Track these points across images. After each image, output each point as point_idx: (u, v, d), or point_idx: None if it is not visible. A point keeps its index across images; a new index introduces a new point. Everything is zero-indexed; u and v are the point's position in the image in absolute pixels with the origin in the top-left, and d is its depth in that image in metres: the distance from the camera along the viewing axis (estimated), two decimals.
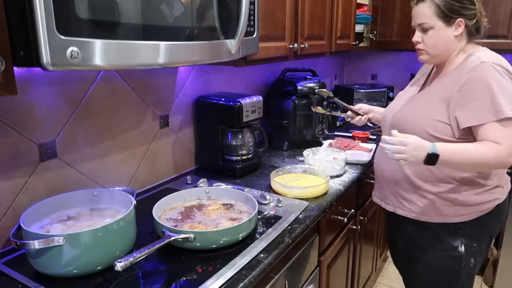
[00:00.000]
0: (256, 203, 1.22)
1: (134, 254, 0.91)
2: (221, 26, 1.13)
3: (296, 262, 1.29)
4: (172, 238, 1.02)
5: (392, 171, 1.40)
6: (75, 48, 0.75)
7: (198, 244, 1.06)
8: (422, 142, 1.17)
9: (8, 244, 1.11)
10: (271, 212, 1.33)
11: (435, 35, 1.27)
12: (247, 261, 1.04)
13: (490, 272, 2.41)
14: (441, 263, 1.39)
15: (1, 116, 1.06)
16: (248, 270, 1.00)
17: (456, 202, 1.31)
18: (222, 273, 0.98)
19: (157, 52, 0.93)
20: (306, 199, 1.43)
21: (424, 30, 1.28)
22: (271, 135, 2.13)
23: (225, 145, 1.69)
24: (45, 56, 0.71)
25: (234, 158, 1.69)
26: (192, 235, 1.04)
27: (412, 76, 1.62)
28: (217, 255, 1.06)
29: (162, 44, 0.93)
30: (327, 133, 2.22)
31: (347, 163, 1.79)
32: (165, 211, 1.25)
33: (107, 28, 0.81)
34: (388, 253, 2.59)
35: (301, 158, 1.88)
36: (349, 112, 1.70)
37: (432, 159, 1.16)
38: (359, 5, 2.51)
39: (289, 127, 2.07)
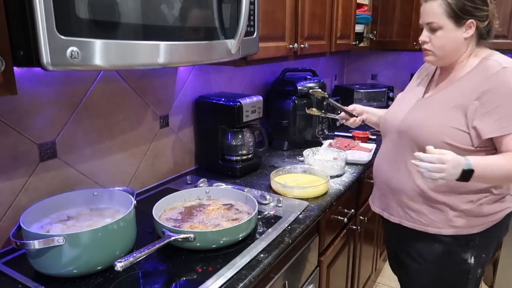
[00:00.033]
0: (256, 203, 1.22)
1: (134, 254, 0.91)
2: (221, 26, 1.13)
3: (296, 262, 1.29)
4: (172, 238, 1.02)
5: (400, 180, 1.31)
6: (75, 48, 0.75)
7: (198, 244, 1.06)
8: (459, 158, 1.08)
9: (8, 244, 1.11)
10: (271, 212, 1.33)
11: (443, 35, 1.19)
12: (247, 261, 1.04)
13: (490, 272, 2.41)
14: (450, 276, 1.32)
15: (1, 116, 1.06)
16: (248, 270, 1.00)
17: (469, 212, 1.24)
18: (222, 273, 0.98)
19: (157, 52, 0.93)
20: (306, 199, 1.43)
21: (433, 30, 1.20)
22: (271, 135, 2.13)
23: (225, 145, 1.69)
24: (45, 56, 0.71)
25: (234, 158, 1.69)
26: (192, 235, 1.04)
27: (412, 76, 1.58)
28: (217, 255, 1.06)
29: (162, 44, 0.93)
30: (327, 133, 2.22)
31: (347, 163, 1.79)
32: (165, 211, 1.25)
33: (107, 28, 0.81)
34: None
35: (301, 158, 1.88)
36: (342, 113, 1.63)
37: (467, 175, 1.08)
38: (359, 5, 2.51)
39: (289, 127, 2.07)
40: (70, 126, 1.24)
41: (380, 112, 1.61)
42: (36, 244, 0.88)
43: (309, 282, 1.41)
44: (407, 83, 1.56)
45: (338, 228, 1.68)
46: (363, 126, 2.59)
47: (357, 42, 2.52)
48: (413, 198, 1.29)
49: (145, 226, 1.18)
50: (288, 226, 1.24)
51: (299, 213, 1.33)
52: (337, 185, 1.59)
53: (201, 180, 1.57)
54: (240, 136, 1.69)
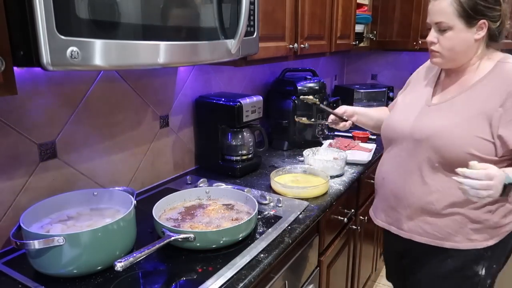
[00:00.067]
0: (256, 203, 1.22)
1: (134, 254, 0.91)
2: (221, 26, 1.13)
3: (296, 262, 1.29)
4: (172, 238, 1.02)
5: (413, 192, 1.21)
6: (75, 48, 0.75)
7: (198, 244, 1.06)
8: (501, 173, 1.00)
9: (8, 244, 1.11)
10: (271, 212, 1.33)
11: (453, 36, 1.11)
12: (247, 261, 1.04)
13: None
14: None
15: (1, 116, 1.06)
16: (248, 270, 1.00)
17: (488, 224, 1.17)
18: (222, 273, 0.98)
19: (157, 52, 0.93)
20: (306, 199, 1.43)
21: (441, 30, 1.12)
22: (271, 135, 2.13)
23: (225, 145, 1.69)
24: (45, 56, 0.71)
25: (234, 158, 1.69)
26: (192, 235, 1.04)
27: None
28: (217, 255, 1.06)
29: (162, 44, 0.93)
30: (327, 133, 2.22)
31: (347, 163, 1.79)
32: (165, 211, 1.25)
33: (107, 28, 0.81)
34: None
35: (301, 158, 1.88)
36: (331, 117, 1.53)
37: (509, 190, 1.01)
38: (359, 5, 2.51)
39: (289, 127, 2.07)
40: (70, 126, 1.24)
41: (371, 112, 1.55)
42: (36, 244, 0.88)
43: (309, 282, 1.41)
44: None
45: (338, 228, 1.68)
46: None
47: (357, 42, 2.52)
48: (429, 211, 1.19)
49: (145, 226, 1.18)
50: (288, 226, 1.24)
51: (299, 213, 1.33)
52: (337, 185, 1.59)
53: (201, 180, 1.57)
54: (240, 136, 1.69)
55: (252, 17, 1.24)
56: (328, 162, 1.68)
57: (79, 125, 1.27)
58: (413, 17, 2.61)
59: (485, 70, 1.15)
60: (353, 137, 2.21)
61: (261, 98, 1.72)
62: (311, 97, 1.64)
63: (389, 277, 1.59)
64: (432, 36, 1.16)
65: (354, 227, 1.85)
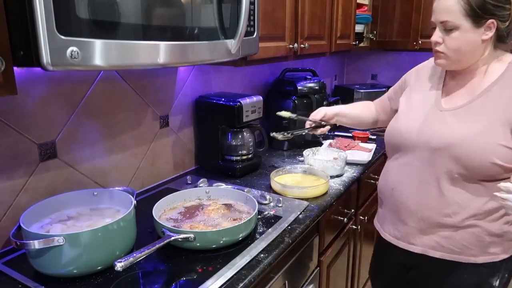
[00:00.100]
0: (256, 203, 1.22)
1: (134, 254, 0.91)
2: (221, 26, 1.13)
3: (296, 262, 1.29)
4: (172, 238, 1.02)
5: (429, 204, 1.13)
6: (75, 48, 0.75)
7: (198, 244, 1.06)
8: None
9: (8, 244, 1.11)
10: (271, 212, 1.33)
11: (459, 37, 1.04)
12: (247, 261, 1.04)
13: None
14: None
15: (1, 116, 1.06)
16: (248, 270, 1.00)
17: (506, 236, 1.12)
18: (222, 273, 0.98)
19: (157, 52, 0.93)
20: (306, 199, 1.43)
21: (447, 30, 1.06)
22: None
23: (225, 145, 1.69)
24: (45, 56, 0.71)
25: (234, 158, 1.69)
26: (192, 235, 1.04)
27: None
28: (217, 255, 1.06)
29: (162, 44, 0.93)
30: (327, 133, 2.22)
31: (347, 163, 1.79)
32: (165, 211, 1.25)
33: (107, 28, 0.81)
34: None
35: (301, 158, 1.88)
36: (307, 124, 1.43)
37: None
38: (359, 5, 2.51)
39: (289, 127, 2.07)
40: (70, 126, 1.24)
41: (353, 111, 1.49)
42: (36, 244, 0.88)
43: (309, 282, 1.41)
44: None
45: (338, 228, 1.68)
46: None
47: (357, 42, 2.52)
48: (444, 224, 1.12)
49: (145, 226, 1.18)
50: (288, 226, 1.24)
51: (299, 213, 1.33)
52: (337, 185, 1.59)
53: (201, 180, 1.56)
54: (240, 136, 1.69)
55: (252, 17, 1.24)
56: (328, 162, 1.68)
57: (79, 125, 1.27)
58: (413, 17, 2.61)
59: (496, 72, 1.09)
60: (353, 137, 2.22)
61: (261, 98, 1.72)
62: (283, 111, 1.49)
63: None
64: (436, 36, 1.09)
65: (354, 227, 1.85)
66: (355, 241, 1.92)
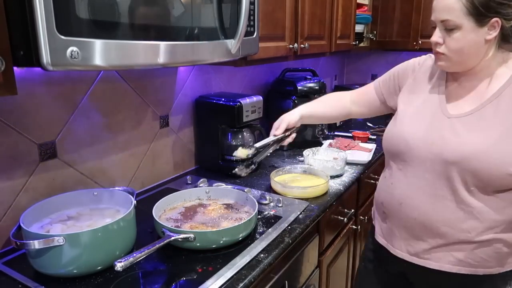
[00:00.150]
0: (256, 203, 1.22)
1: (134, 254, 0.91)
2: (221, 26, 1.13)
3: (296, 262, 1.29)
4: (172, 238, 1.02)
5: (446, 219, 1.05)
6: (75, 48, 0.75)
7: (198, 244, 1.06)
8: None
9: (8, 244, 1.11)
10: (271, 212, 1.33)
11: (461, 37, 0.97)
12: (247, 261, 1.04)
13: None
14: None
15: (1, 116, 1.06)
16: (248, 270, 1.00)
17: None
18: (222, 273, 0.98)
19: (157, 52, 0.93)
20: (306, 199, 1.43)
21: (448, 30, 0.99)
22: None
23: (225, 145, 1.69)
24: (45, 56, 0.71)
25: (234, 158, 1.68)
26: (192, 235, 1.04)
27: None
28: (217, 255, 1.06)
29: (162, 44, 0.93)
30: (327, 133, 2.22)
31: (347, 163, 1.79)
32: (165, 211, 1.25)
33: (107, 28, 0.81)
34: None
35: (301, 158, 1.88)
36: (271, 138, 1.31)
37: None
38: (359, 5, 2.51)
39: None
40: (70, 126, 1.24)
41: (320, 110, 1.41)
42: (36, 244, 0.88)
43: (309, 282, 1.41)
44: None
45: (338, 228, 1.68)
46: (363, 126, 2.61)
47: (357, 42, 2.52)
48: (465, 240, 1.05)
49: (145, 226, 1.18)
50: (288, 226, 1.24)
51: (299, 213, 1.33)
52: (337, 185, 1.59)
53: (201, 180, 1.57)
54: (240, 136, 1.69)
55: (252, 17, 1.24)
56: (328, 162, 1.68)
57: (79, 125, 1.27)
58: (413, 17, 2.61)
59: (502, 75, 1.02)
60: (353, 137, 2.22)
61: (261, 98, 1.72)
62: (239, 151, 1.31)
63: None
64: (436, 36, 1.02)
65: (354, 227, 1.86)
66: (355, 241, 1.92)
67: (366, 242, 1.40)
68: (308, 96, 2.05)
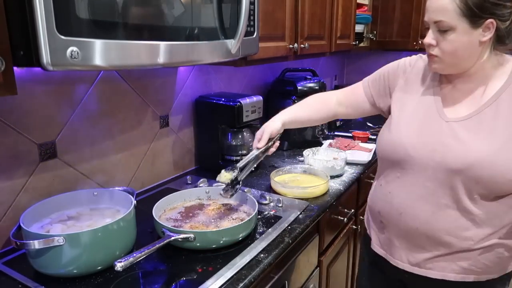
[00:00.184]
0: (256, 203, 1.22)
1: (134, 254, 0.91)
2: (221, 26, 1.13)
3: (296, 262, 1.29)
4: (172, 238, 1.02)
5: (449, 228, 1.02)
6: (75, 48, 0.75)
7: (198, 244, 1.06)
8: None
9: (8, 244, 1.11)
10: (271, 212, 1.33)
11: (455, 38, 0.94)
12: (247, 261, 1.04)
13: None
14: None
15: (1, 116, 1.06)
16: (248, 270, 1.00)
17: None
18: (222, 273, 0.98)
19: (157, 52, 0.93)
20: (306, 199, 1.43)
21: (441, 31, 0.96)
22: None
23: (225, 145, 1.69)
24: (45, 56, 0.71)
25: (234, 158, 1.69)
26: (192, 235, 1.04)
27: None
28: (217, 255, 1.06)
29: (162, 44, 0.93)
30: (327, 133, 2.22)
31: (347, 163, 1.79)
32: (165, 211, 1.25)
33: (107, 28, 0.81)
34: None
35: (301, 158, 1.88)
36: (254, 154, 1.25)
37: None
38: (359, 5, 2.51)
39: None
40: (70, 126, 1.24)
41: (304, 113, 1.36)
42: (36, 244, 0.88)
43: (309, 282, 1.41)
44: None
45: (338, 228, 1.68)
46: (363, 126, 2.61)
47: (357, 42, 2.52)
48: (468, 248, 1.03)
49: (145, 226, 1.18)
50: (288, 226, 1.24)
51: (299, 213, 1.33)
52: (337, 185, 1.59)
53: (201, 180, 1.56)
54: (240, 136, 1.69)
55: (252, 17, 1.24)
56: (328, 162, 1.68)
57: (79, 125, 1.27)
58: (413, 17, 2.61)
59: (499, 78, 1.00)
60: (353, 137, 2.22)
61: (261, 98, 1.72)
62: (222, 175, 1.21)
63: None
64: (430, 37, 0.99)
65: (354, 227, 1.86)
66: (355, 241, 1.92)
67: (360, 251, 1.35)
68: (308, 96, 2.05)
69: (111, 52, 0.82)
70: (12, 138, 1.09)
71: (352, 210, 1.77)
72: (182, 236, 1.03)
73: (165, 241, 1.00)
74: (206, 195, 1.35)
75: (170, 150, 1.66)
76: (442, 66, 1.01)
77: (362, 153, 1.96)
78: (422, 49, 2.63)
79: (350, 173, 1.74)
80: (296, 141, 2.09)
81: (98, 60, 0.79)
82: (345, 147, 2.01)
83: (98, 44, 0.79)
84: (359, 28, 2.57)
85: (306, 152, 1.80)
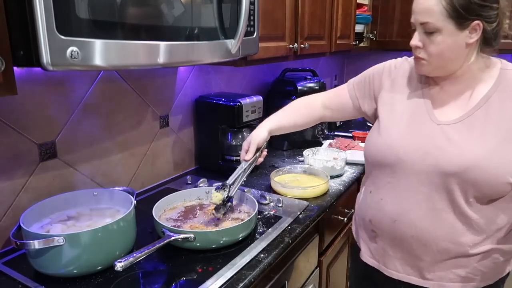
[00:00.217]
0: (256, 203, 1.22)
1: (134, 254, 0.91)
2: (221, 26, 1.13)
3: (296, 262, 1.29)
4: (172, 238, 1.02)
5: (446, 235, 1.00)
6: (75, 48, 0.75)
7: (198, 244, 1.06)
8: None
9: (8, 244, 1.11)
10: (271, 212, 1.33)
11: (442, 40, 0.93)
12: (247, 261, 1.04)
13: None
14: None
15: (1, 116, 1.06)
16: (248, 270, 1.00)
17: None
18: (222, 273, 0.98)
19: (157, 52, 0.93)
20: (306, 199, 1.43)
21: (428, 33, 0.95)
22: None
23: (225, 145, 1.69)
24: (45, 56, 0.71)
25: (234, 158, 1.69)
26: (192, 235, 1.04)
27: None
28: (217, 255, 1.06)
29: (162, 44, 0.93)
30: (327, 133, 2.22)
31: (347, 163, 1.79)
32: (165, 211, 1.25)
33: (107, 28, 0.81)
34: None
35: (301, 158, 1.88)
36: (243, 168, 1.23)
37: None
38: (359, 5, 2.51)
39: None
40: (70, 126, 1.24)
41: (289, 120, 1.34)
42: (36, 244, 0.88)
43: (309, 282, 1.41)
44: None
45: (338, 228, 1.68)
46: (363, 126, 2.61)
47: (357, 42, 2.52)
48: (464, 253, 1.00)
49: (145, 226, 1.18)
50: (288, 226, 1.24)
51: (299, 213, 1.33)
52: (337, 185, 1.59)
53: (201, 180, 1.56)
54: (240, 136, 1.69)
55: (252, 17, 1.24)
56: (328, 162, 1.68)
57: (79, 125, 1.27)
58: None
59: (487, 80, 0.99)
60: (353, 137, 2.22)
61: (261, 98, 1.72)
62: (213, 196, 1.19)
63: None
64: (416, 39, 0.98)
65: None
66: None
67: (349, 265, 1.30)
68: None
69: (111, 52, 0.82)
70: (12, 138, 1.09)
71: (352, 210, 1.76)
72: (182, 236, 1.03)
73: (165, 241, 1.00)
74: (206, 195, 1.35)
75: (170, 150, 1.66)
76: (429, 68, 1.00)
77: (362, 153, 1.94)
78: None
79: (350, 173, 1.74)
80: (296, 141, 2.09)
81: (98, 60, 0.79)
82: (345, 147, 2.01)
83: (98, 44, 0.79)
84: (359, 28, 2.56)
85: (306, 152, 1.80)
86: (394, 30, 2.72)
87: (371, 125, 1.33)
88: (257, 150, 1.25)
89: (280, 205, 1.38)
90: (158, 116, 1.57)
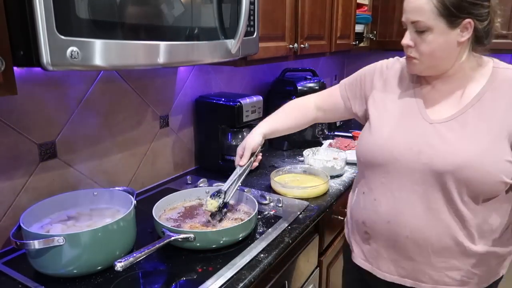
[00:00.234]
0: (256, 203, 1.22)
1: (134, 254, 0.91)
2: (221, 26, 1.13)
3: (296, 262, 1.29)
4: (172, 238, 1.02)
5: (440, 235, 0.98)
6: (75, 48, 0.75)
7: (198, 244, 1.06)
8: None
9: (8, 244, 1.11)
10: (271, 212, 1.33)
11: (433, 39, 0.93)
12: (247, 261, 1.04)
13: None
14: None
15: (1, 116, 1.06)
16: (248, 270, 1.00)
17: (507, 255, 1.05)
18: (222, 273, 0.98)
19: (157, 52, 0.93)
20: (306, 199, 1.43)
21: (419, 32, 0.96)
22: None
23: (225, 145, 1.69)
24: (45, 56, 0.71)
25: (234, 158, 1.68)
26: (192, 235, 1.04)
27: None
28: (217, 255, 1.06)
29: (162, 44, 0.93)
30: (327, 133, 2.22)
31: (347, 163, 1.79)
32: (165, 211, 1.25)
33: (107, 28, 0.81)
34: None
35: (301, 158, 1.88)
36: (238, 173, 1.23)
37: None
38: (359, 5, 2.51)
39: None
40: (70, 126, 1.24)
41: (283, 123, 1.32)
42: (36, 244, 0.88)
43: (309, 282, 1.41)
44: None
45: (338, 228, 1.68)
46: (363, 126, 2.60)
47: (357, 42, 2.52)
48: (457, 254, 0.99)
49: (145, 226, 1.18)
50: (288, 226, 1.24)
51: (299, 213, 1.33)
52: (337, 185, 1.59)
53: (201, 180, 1.56)
54: (240, 136, 1.69)
55: (252, 17, 1.24)
56: (328, 162, 1.68)
57: (79, 125, 1.27)
58: None
59: (479, 79, 0.99)
60: (353, 137, 2.22)
61: (261, 98, 1.72)
62: (209, 203, 1.18)
63: None
64: (407, 38, 0.99)
65: None
66: None
67: (343, 267, 1.31)
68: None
69: (111, 52, 0.82)
70: (12, 138, 1.09)
71: None
72: (182, 236, 1.03)
73: (165, 241, 1.00)
74: (206, 195, 1.35)
75: (170, 150, 1.66)
76: (421, 67, 1.00)
77: None
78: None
79: (350, 173, 1.74)
80: (296, 141, 2.09)
81: (98, 60, 0.79)
82: (345, 147, 2.01)
83: (98, 44, 0.79)
84: (359, 28, 2.56)
85: (306, 152, 1.80)
86: (394, 30, 2.72)
87: None
88: (252, 155, 1.24)
89: (280, 205, 1.38)
90: (158, 116, 1.57)
